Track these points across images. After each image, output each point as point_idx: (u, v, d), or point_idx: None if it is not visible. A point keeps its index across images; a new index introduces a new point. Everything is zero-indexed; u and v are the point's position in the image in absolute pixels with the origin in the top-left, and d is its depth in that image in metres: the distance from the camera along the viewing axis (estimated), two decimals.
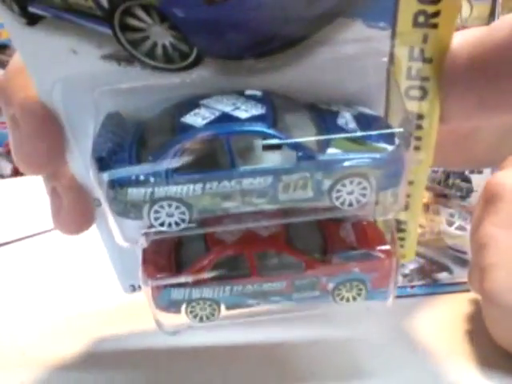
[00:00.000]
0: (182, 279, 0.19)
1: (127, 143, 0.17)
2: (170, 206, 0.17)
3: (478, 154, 0.28)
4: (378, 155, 0.17)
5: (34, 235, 0.49)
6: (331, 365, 0.22)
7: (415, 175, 0.21)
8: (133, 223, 0.18)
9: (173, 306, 0.19)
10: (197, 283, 0.19)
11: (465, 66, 0.18)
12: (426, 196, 0.46)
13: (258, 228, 0.20)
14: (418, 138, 0.20)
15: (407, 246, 0.24)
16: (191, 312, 0.20)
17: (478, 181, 0.39)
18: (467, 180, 0.42)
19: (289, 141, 0.17)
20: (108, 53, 0.17)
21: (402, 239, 0.24)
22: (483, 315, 0.24)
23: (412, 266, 0.34)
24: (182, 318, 0.20)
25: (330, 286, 0.20)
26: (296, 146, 0.17)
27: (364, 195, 0.18)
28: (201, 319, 0.20)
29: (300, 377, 0.21)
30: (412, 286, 0.31)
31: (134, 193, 0.17)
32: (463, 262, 0.34)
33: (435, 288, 0.32)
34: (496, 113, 0.19)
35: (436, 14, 0.17)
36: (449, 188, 0.45)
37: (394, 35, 0.18)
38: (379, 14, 0.17)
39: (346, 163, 0.17)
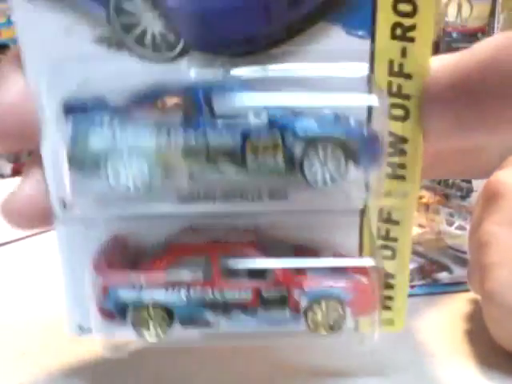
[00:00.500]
0: (133, 278, 0.17)
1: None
2: (130, 156, 0.16)
3: (483, 165, 0.28)
4: (353, 126, 0.16)
5: (34, 235, 0.49)
6: (331, 365, 0.22)
7: (401, 212, 0.19)
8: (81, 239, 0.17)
9: (119, 311, 0.17)
10: (149, 285, 0.17)
11: (445, 85, 0.18)
12: (426, 196, 0.46)
13: (229, 236, 0.18)
14: (402, 166, 0.18)
15: (396, 307, 0.20)
16: (138, 319, 0.17)
17: (478, 181, 0.39)
18: (467, 180, 0.42)
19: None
20: (100, 36, 0.17)
21: (390, 298, 0.20)
22: (483, 315, 0.24)
23: (412, 266, 0.34)
24: (127, 331, 0.17)
25: (303, 303, 0.17)
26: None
27: (339, 171, 0.16)
28: (148, 329, 0.17)
29: (300, 377, 0.21)
30: (412, 286, 0.31)
31: (96, 140, 0.16)
32: (463, 262, 0.34)
33: (435, 288, 0.32)
34: (476, 133, 0.18)
35: (412, 28, 0.17)
36: (449, 188, 0.45)
37: (373, 46, 0.17)
38: (359, 22, 0.17)
39: (320, 128, 0.16)
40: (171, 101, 0.16)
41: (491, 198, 0.25)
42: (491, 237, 0.24)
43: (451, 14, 1.55)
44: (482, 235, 0.24)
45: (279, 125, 0.16)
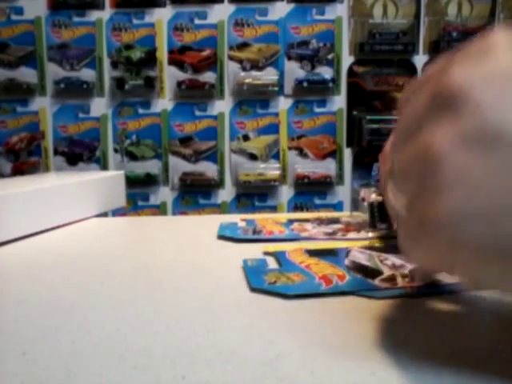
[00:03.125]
0: None
1: None
2: None
3: None
4: None
5: (34, 235, 0.49)
6: (330, 365, 0.22)
7: None
8: None
9: None
10: None
11: None
12: None
13: None
14: None
15: None
16: None
17: None
18: None
19: None
20: None
21: None
22: (403, 240, 0.21)
23: (412, 266, 0.34)
24: None
25: None
26: None
27: None
28: None
29: (300, 376, 0.21)
30: (412, 287, 0.31)
31: None
32: None
33: (435, 288, 0.32)
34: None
35: None
36: None
37: None
38: None
39: None
40: None
41: (443, 102, 0.19)
42: (444, 154, 0.19)
43: (451, 14, 1.56)
44: (427, 147, 0.19)
45: None
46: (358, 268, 0.35)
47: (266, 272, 0.34)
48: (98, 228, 0.54)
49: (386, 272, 0.33)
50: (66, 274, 0.36)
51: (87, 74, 1.46)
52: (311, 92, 1.46)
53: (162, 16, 1.45)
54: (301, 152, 1.49)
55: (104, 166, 1.49)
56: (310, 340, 0.24)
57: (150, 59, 1.46)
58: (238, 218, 0.53)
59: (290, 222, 0.52)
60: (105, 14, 1.45)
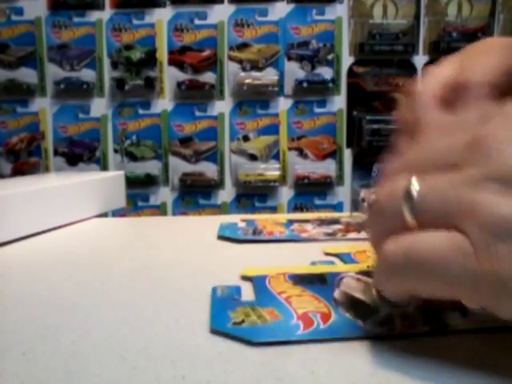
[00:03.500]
0: None
1: None
2: None
3: None
4: None
5: (35, 235, 0.49)
6: (330, 365, 0.22)
7: None
8: None
9: None
10: None
11: None
12: None
13: None
14: None
15: None
16: None
17: None
18: None
19: None
20: None
21: None
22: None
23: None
24: None
25: None
26: None
27: None
28: None
29: (300, 376, 0.21)
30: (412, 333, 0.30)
31: None
32: None
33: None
34: None
35: None
36: None
37: None
38: None
39: None
40: None
41: (480, 157, 0.20)
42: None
43: (451, 14, 1.56)
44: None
45: None
46: (349, 303, 0.28)
47: (235, 306, 0.28)
48: (98, 228, 0.54)
49: (383, 311, 0.27)
50: (66, 274, 0.36)
51: (87, 75, 1.46)
52: (311, 92, 1.46)
53: (162, 16, 1.45)
54: (301, 152, 1.49)
55: (104, 167, 1.49)
56: (309, 340, 0.24)
57: (150, 59, 1.46)
58: (238, 219, 0.53)
59: (290, 222, 0.52)
60: (105, 15, 1.45)
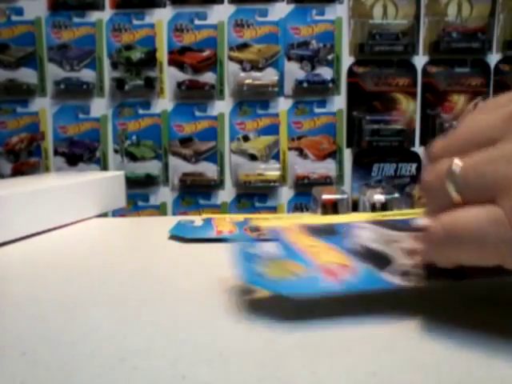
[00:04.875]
0: None
1: None
2: None
3: None
4: None
5: (35, 235, 0.49)
6: (330, 365, 0.22)
7: None
8: None
9: None
10: None
11: None
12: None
13: None
14: None
15: None
16: None
17: None
18: None
19: None
20: None
21: None
22: None
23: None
24: None
25: None
26: None
27: None
28: None
29: (300, 376, 0.21)
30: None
31: None
32: None
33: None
34: None
35: None
36: None
37: None
38: None
39: None
40: None
41: None
42: None
43: (451, 14, 1.55)
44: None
45: None
46: (366, 253, 0.28)
47: (261, 261, 0.28)
48: (98, 228, 0.54)
49: (399, 261, 0.27)
50: (66, 274, 0.36)
51: (87, 75, 1.46)
52: (311, 92, 1.46)
53: (161, 16, 1.45)
54: (301, 152, 1.49)
55: (104, 167, 1.49)
56: (310, 340, 0.24)
57: (150, 60, 1.46)
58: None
59: (247, 221, 0.51)
60: (105, 15, 1.45)
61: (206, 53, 1.46)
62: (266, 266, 0.27)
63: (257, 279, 0.26)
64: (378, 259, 0.28)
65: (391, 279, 0.26)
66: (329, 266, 0.27)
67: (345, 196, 0.49)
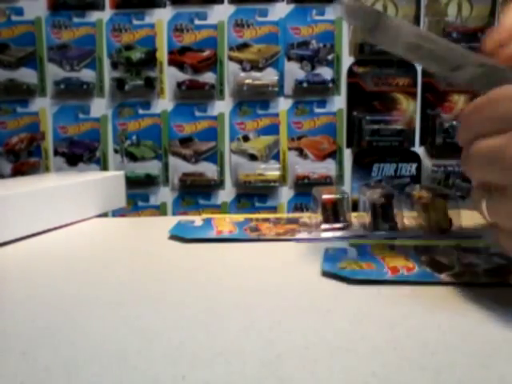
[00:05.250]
0: None
1: None
2: None
3: None
4: None
5: (35, 235, 0.49)
6: (330, 365, 0.22)
7: None
8: None
9: None
10: None
11: None
12: (426, 196, 0.46)
13: None
14: None
15: None
16: None
17: None
18: (467, 180, 0.42)
19: None
20: None
21: None
22: None
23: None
24: None
25: None
26: None
27: None
28: None
29: (300, 376, 0.21)
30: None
31: None
32: None
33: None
34: None
35: None
36: (449, 188, 0.45)
37: None
38: None
39: None
40: None
41: None
42: None
43: (451, 14, 1.56)
44: None
45: None
46: (430, 262, 0.37)
47: (342, 259, 0.39)
48: (98, 228, 0.54)
49: (457, 268, 0.35)
50: (66, 274, 0.36)
51: (87, 75, 1.46)
52: (311, 92, 1.46)
53: (161, 16, 1.45)
54: (301, 152, 1.49)
55: (104, 167, 1.48)
56: (310, 340, 0.24)
57: (150, 60, 1.46)
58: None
59: (248, 221, 0.52)
60: (105, 15, 1.45)
61: (206, 53, 1.46)
62: (346, 264, 0.37)
63: (338, 271, 0.35)
64: (441, 267, 0.35)
65: (444, 278, 0.33)
66: (396, 266, 0.35)
67: (345, 196, 0.49)
